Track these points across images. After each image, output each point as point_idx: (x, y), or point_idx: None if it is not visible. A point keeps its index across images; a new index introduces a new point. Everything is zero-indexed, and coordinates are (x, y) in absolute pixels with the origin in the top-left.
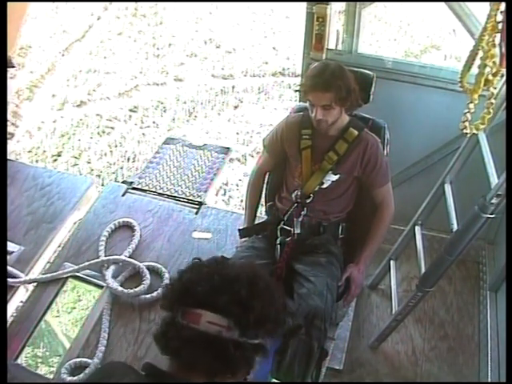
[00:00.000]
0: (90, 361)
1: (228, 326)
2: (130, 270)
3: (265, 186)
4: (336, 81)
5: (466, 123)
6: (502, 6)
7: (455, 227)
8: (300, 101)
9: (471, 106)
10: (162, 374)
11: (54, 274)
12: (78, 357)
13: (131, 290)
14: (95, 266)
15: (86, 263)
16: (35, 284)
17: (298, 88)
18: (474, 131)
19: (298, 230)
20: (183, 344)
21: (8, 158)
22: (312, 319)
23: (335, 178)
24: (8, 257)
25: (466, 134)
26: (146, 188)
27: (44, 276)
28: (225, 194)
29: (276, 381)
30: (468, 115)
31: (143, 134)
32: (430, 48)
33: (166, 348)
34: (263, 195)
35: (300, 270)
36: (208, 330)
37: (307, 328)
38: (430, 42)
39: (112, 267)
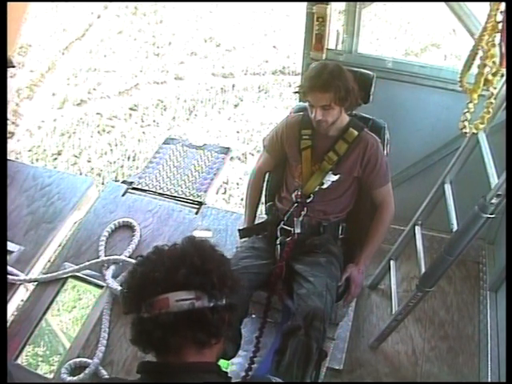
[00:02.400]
0: (89, 361)
1: (196, 296)
2: None
3: (265, 185)
4: (335, 81)
5: (466, 123)
6: (502, 5)
7: (455, 227)
8: (300, 101)
9: (471, 105)
10: (158, 365)
11: (54, 274)
12: (78, 357)
13: None
14: (95, 266)
15: (87, 263)
16: (35, 283)
17: (296, 89)
18: (474, 131)
19: (298, 230)
20: (165, 331)
21: (8, 156)
22: (311, 320)
23: (335, 178)
24: (8, 257)
25: (466, 133)
26: (146, 188)
27: (44, 276)
28: (225, 193)
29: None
30: (467, 115)
31: (143, 132)
32: (430, 46)
33: (150, 343)
34: (263, 195)
35: (300, 271)
36: (180, 308)
37: (306, 328)
38: (430, 41)
39: (112, 267)
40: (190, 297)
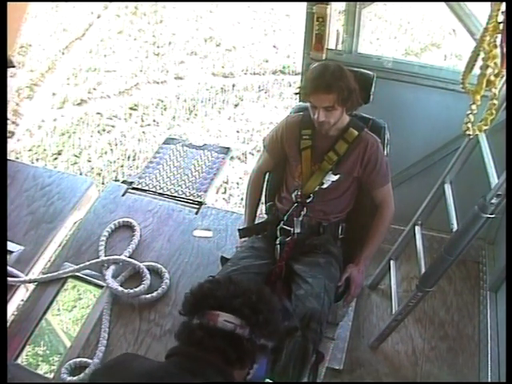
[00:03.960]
0: (89, 361)
1: (241, 324)
2: (130, 270)
3: (265, 185)
4: (337, 82)
5: (469, 125)
6: (503, 6)
7: (455, 227)
8: (300, 100)
9: (474, 107)
10: (190, 353)
11: (54, 273)
12: (78, 357)
13: (131, 290)
14: (95, 266)
15: (87, 263)
16: (35, 283)
17: (297, 90)
18: (477, 132)
19: (297, 230)
20: (204, 334)
21: (8, 156)
22: (308, 321)
23: (335, 178)
24: (8, 257)
25: (469, 135)
26: (146, 188)
27: (44, 276)
28: (225, 192)
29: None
30: (471, 116)
31: (143, 132)
32: (431, 46)
33: (189, 343)
34: (263, 195)
35: (299, 271)
36: (224, 327)
37: (303, 330)
38: (431, 41)
39: (112, 267)
40: (235, 322)
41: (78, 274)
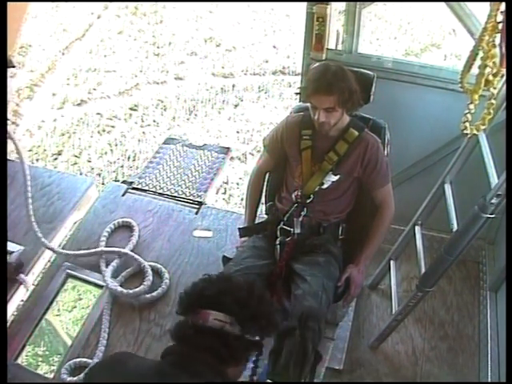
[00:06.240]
0: (89, 361)
1: (230, 322)
2: (130, 270)
3: (265, 185)
4: (338, 83)
5: (467, 124)
6: (502, 6)
7: (455, 227)
8: (300, 101)
9: (471, 106)
10: (184, 352)
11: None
12: (78, 357)
13: (131, 291)
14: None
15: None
16: (36, 283)
17: (298, 91)
18: (475, 132)
19: (297, 230)
20: (196, 333)
21: (8, 156)
22: (306, 320)
23: (335, 178)
24: (8, 257)
25: (467, 134)
26: (146, 188)
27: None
28: (225, 193)
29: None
30: (468, 116)
31: (143, 132)
32: (431, 46)
33: (183, 337)
34: (263, 195)
35: (298, 270)
36: (213, 325)
37: (301, 329)
38: (431, 41)
39: (111, 267)
40: (225, 320)
41: (77, 274)
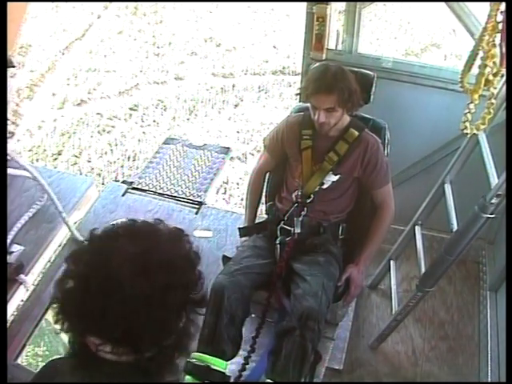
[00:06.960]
0: None
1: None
2: None
3: (265, 185)
4: (339, 83)
5: (467, 123)
6: (502, 6)
7: (455, 227)
8: (300, 101)
9: (471, 106)
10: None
11: None
12: None
13: None
14: None
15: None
16: (36, 283)
17: (298, 91)
18: (475, 131)
19: (297, 230)
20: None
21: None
22: (305, 320)
23: (335, 178)
24: (8, 257)
25: (467, 134)
26: (146, 188)
27: None
28: (225, 193)
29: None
30: (468, 115)
31: (143, 132)
32: (431, 46)
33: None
34: (263, 195)
35: (298, 270)
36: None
37: (301, 329)
38: (431, 41)
39: None
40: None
41: None
